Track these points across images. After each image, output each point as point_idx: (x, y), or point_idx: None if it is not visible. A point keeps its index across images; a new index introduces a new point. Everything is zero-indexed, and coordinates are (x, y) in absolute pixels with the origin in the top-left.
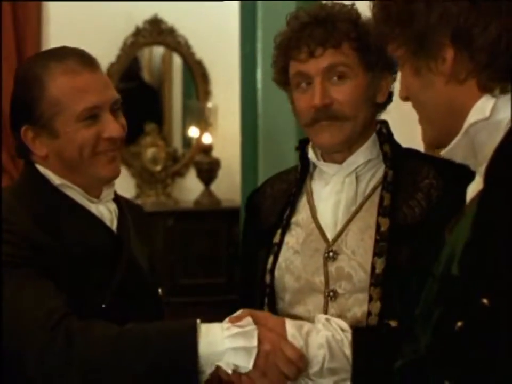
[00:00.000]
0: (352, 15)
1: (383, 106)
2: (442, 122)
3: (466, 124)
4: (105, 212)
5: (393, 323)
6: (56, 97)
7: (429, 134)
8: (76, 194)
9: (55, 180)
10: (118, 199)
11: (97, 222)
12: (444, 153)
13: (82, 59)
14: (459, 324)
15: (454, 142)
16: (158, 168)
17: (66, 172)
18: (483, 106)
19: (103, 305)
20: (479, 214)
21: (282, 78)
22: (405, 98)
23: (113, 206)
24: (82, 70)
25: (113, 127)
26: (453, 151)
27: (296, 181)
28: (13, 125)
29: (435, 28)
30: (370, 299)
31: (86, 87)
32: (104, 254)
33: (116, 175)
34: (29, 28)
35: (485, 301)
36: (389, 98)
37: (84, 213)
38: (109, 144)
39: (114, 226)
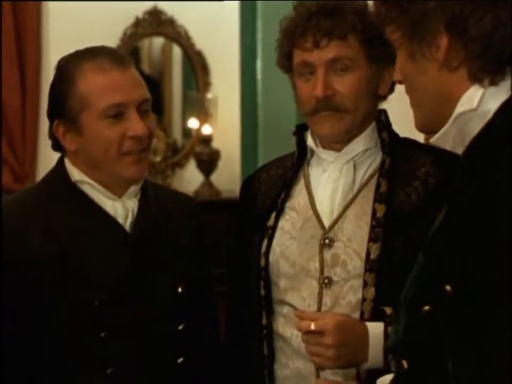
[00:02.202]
0: (359, 6)
1: (384, 97)
2: (432, 108)
3: (454, 113)
4: (120, 209)
5: (388, 310)
6: (84, 93)
7: (419, 118)
8: (93, 191)
9: (75, 175)
10: (146, 194)
11: (107, 219)
12: (433, 140)
13: (114, 57)
14: (426, 307)
15: (443, 130)
16: (158, 159)
17: (92, 168)
18: (471, 97)
19: (96, 303)
20: (451, 203)
21: (286, 63)
22: (399, 81)
23: (132, 203)
24: (112, 68)
25: (138, 125)
26: (442, 139)
27: (293, 166)
28: (49, 118)
29: (431, 15)
30: (365, 285)
31: (113, 85)
32: (110, 251)
33: (140, 177)
34: (29, 28)
35: (448, 288)
36: (391, 89)
37: (95, 210)
38: (134, 144)
39: (128, 224)
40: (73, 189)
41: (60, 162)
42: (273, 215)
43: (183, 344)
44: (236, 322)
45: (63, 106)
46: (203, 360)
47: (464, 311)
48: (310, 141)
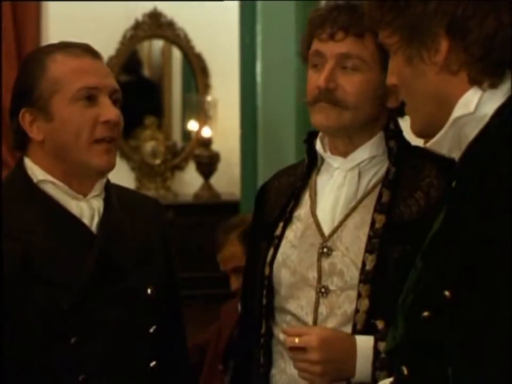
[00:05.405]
0: None
1: (398, 111)
2: (429, 112)
3: (451, 118)
4: (86, 209)
5: (379, 324)
6: (55, 76)
7: (416, 123)
8: (57, 191)
9: (39, 175)
10: (109, 193)
11: (73, 220)
12: (429, 144)
13: (85, 47)
14: (425, 313)
15: (440, 134)
16: (158, 161)
17: (58, 161)
18: (468, 100)
19: (65, 307)
20: (448, 208)
21: (305, 53)
22: (392, 85)
23: (97, 203)
24: (85, 55)
25: (110, 110)
26: (439, 143)
27: (302, 174)
28: (12, 112)
29: (431, 18)
30: (359, 296)
31: (86, 69)
32: (76, 253)
33: (111, 167)
34: (29, 29)
35: (447, 293)
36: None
37: (60, 211)
38: (106, 130)
39: (94, 224)
40: (35, 190)
41: (20, 163)
42: (281, 224)
43: (155, 347)
44: (245, 330)
45: (32, 93)
46: (176, 362)
47: (463, 317)
48: (318, 146)
